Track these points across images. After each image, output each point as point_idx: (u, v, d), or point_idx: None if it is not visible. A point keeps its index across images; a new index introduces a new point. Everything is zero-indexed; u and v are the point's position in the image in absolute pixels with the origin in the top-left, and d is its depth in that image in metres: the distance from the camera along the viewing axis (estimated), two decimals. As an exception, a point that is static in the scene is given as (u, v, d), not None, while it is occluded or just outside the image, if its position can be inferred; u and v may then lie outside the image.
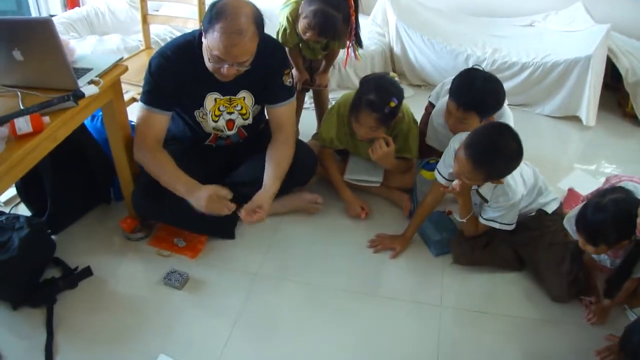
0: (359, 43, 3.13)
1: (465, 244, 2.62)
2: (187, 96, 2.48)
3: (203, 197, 2.37)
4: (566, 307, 2.41)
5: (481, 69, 2.72)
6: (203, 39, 2.27)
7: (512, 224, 2.48)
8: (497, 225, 2.47)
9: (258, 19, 2.26)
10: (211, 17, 2.18)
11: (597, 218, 2.04)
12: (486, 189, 2.43)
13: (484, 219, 2.50)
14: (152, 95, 2.44)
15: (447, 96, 2.73)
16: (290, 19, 2.97)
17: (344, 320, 2.36)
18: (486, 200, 2.46)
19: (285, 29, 3.02)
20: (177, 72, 2.40)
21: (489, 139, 2.27)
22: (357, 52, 3.16)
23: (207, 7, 2.30)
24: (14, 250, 2.30)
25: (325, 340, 2.27)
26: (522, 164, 2.47)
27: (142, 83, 2.46)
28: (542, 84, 4.07)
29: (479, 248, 2.59)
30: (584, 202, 2.17)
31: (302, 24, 2.87)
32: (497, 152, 2.24)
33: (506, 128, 2.33)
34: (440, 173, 2.54)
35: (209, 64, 2.30)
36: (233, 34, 2.16)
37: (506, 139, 2.25)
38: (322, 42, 3.07)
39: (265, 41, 2.39)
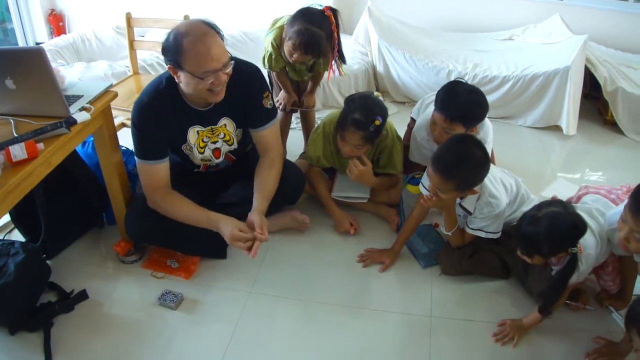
0: (342, 59, 3.19)
1: (453, 255, 2.66)
2: (172, 134, 2.51)
3: (226, 233, 2.41)
4: (555, 313, 2.45)
5: (465, 81, 2.79)
6: (179, 77, 2.28)
7: (497, 233, 2.52)
8: (483, 235, 2.51)
9: (208, 21, 2.30)
10: (175, 47, 2.20)
11: (530, 231, 2.10)
12: (468, 201, 2.48)
13: (471, 228, 2.54)
14: (145, 149, 2.48)
15: (428, 111, 2.80)
16: (274, 44, 3.03)
17: (337, 335, 2.39)
18: (470, 213, 2.51)
19: (270, 55, 3.08)
20: (158, 115, 2.42)
21: (453, 149, 2.33)
22: (340, 69, 3.22)
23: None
24: (9, 276, 2.32)
25: (319, 355, 2.30)
26: (503, 174, 2.53)
27: (131, 108, 2.50)
28: (522, 96, 4.16)
29: (466, 258, 2.63)
30: (522, 215, 2.23)
31: (287, 46, 2.92)
32: (463, 160, 2.29)
33: (469, 138, 2.40)
34: (424, 187, 2.59)
35: (201, 90, 2.28)
36: (203, 38, 2.19)
37: (470, 148, 2.31)
38: (307, 64, 3.12)
39: (241, 66, 2.42)
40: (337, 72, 3.23)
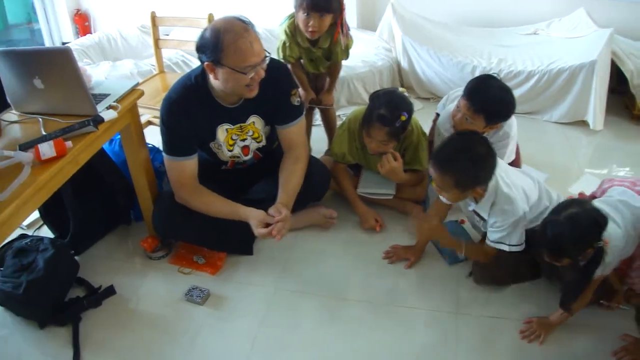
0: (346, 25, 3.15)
1: (486, 267, 2.58)
2: (200, 132, 2.53)
3: (252, 224, 2.44)
4: (582, 310, 2.40)
5: (499, 78, 2.74)
6: (217, 73, 2.30)
7: (520, 244, 2.40)
8: (506, 248, 2.40)
9: (243, 18, 2.32)
10: (215, 44, 2.22)
11: (554, 236, 2.05)
12: (483, 206, 2.39)
13: (491, 241, 2.45)
14: (173, 145, 2.51)
15: (453, 104, 2.78)
16: (288, 31, 3.03)
17: (362, 331, 2.39)
18: (484, 220, 2.45)
19: (284, 43, 3.07)
20: (186, 112, 2.45)
21: (453, 144, 2.29)
22: (347, 37, 3.15)
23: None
24: (39, 271, 2.36)
25: (345, 352, 2.30)
26: (526, 180, 2.46)
27: (158, 106, 2.53)
28: (548, 91, 4.11)
29: (500, 268, 2.55)
30: (543, 221, 2.17)
31: (300, 18, 2.91)
32: (461, 154, 2.23)
33: (472, 134, 2.35)
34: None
35: (240, 86, 2.32)
36: (244, 34, 2.23)
37: (471, 143, 2.25)
38: (324, 48, 3.11)
39: (270, 63, 2.42)
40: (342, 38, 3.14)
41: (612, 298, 2.44)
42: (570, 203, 2.13)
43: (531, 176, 2.52)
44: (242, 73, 2.25)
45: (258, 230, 2.42)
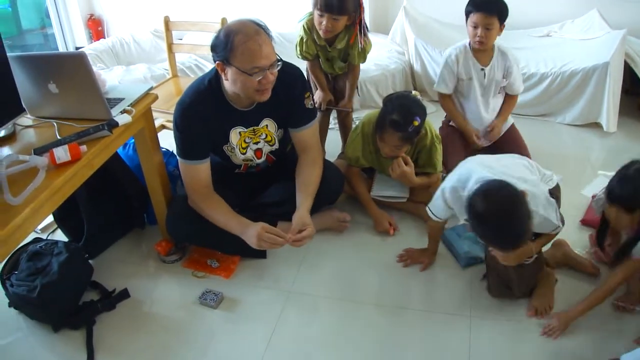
0: (365, 27, 3.14)
1: (501, 283, 2.51)
2: (213, 135, 2.54)
3: (253, 235, 2.43)
4: (598, 312, 2.39)
5: None
6: (227, 73, 2.32)
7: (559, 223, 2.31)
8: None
9: (259, 22, 2.34)
10: (225, 44, 2.24)
11: (629, 187, 2.12)
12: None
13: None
14: (187, 149, 2.52)
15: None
16: (306, 27, 3.06)
17: (376, 334, 2.39)
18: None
19: (302, 39, 3.09)
20: (200, 115, 2.46)
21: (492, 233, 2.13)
22: (366, 38, 3.13)
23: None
24: (53, 275, 2.37)
25: (358, 355, 2.30)
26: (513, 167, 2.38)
27: (171, 110, 2.54)
28: (561, 93, 4.09)
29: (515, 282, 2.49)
30: (610, 181, 2.22)
31: (315, 17, 2.94)
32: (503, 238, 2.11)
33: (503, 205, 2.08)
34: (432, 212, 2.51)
35: (249, 88, 2.32)
36: (254, 36, 2.23)
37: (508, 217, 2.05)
38: (340, 49, 3.11)
39: (283, 67, 2.43)
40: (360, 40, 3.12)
41: (628, 299, 2.43)
42: (633, 162, 2.20)
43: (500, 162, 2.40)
44: (249, 74, 2.26)
45: (260, 243, 2.43)
